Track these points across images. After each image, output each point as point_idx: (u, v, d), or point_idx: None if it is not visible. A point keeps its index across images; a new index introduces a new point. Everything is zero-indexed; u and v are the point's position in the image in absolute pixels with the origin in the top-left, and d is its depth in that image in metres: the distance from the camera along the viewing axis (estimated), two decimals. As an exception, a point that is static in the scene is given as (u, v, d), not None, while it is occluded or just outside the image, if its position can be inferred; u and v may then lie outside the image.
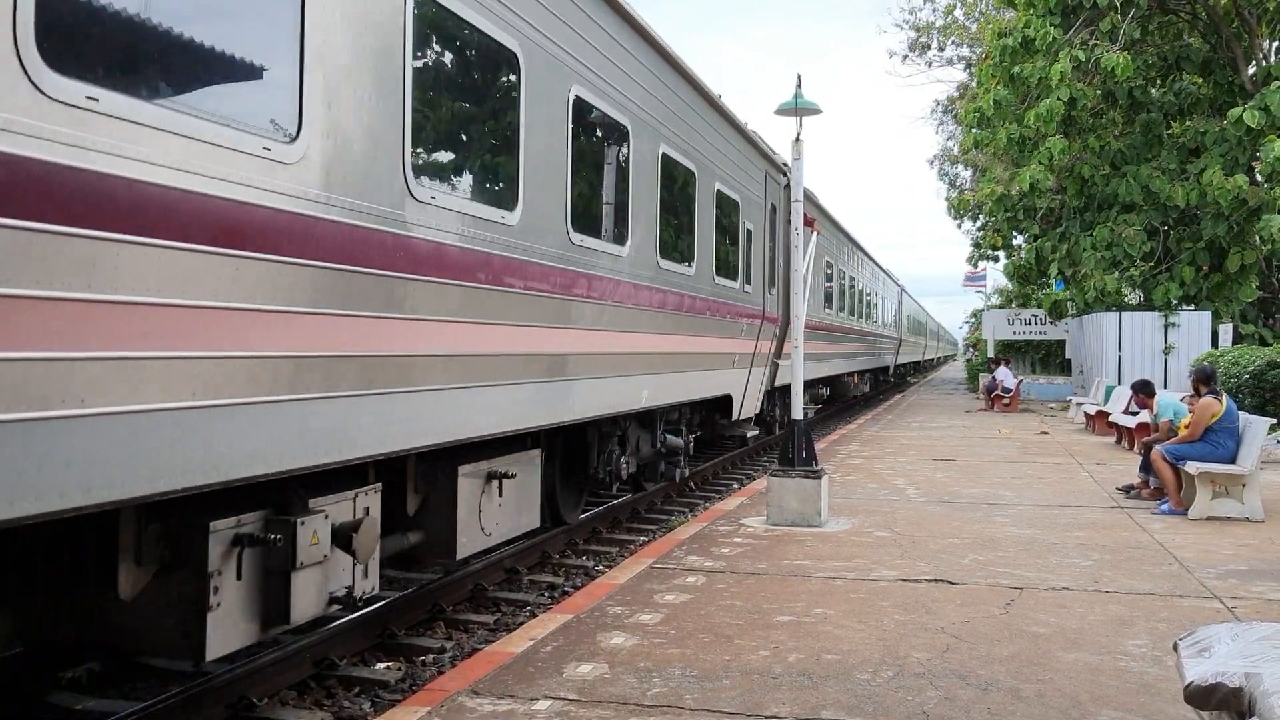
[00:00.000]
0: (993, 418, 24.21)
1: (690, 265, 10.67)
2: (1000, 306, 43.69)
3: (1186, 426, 10.62)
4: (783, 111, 9.96)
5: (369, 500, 5.50)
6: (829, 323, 22.18)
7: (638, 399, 9.27)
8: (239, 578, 4.60)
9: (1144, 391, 12.93)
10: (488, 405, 6.31)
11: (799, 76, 9.94)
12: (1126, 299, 25.91)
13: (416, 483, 6.53)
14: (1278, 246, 20.58)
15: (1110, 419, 18.22)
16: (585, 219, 7.92)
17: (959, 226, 46.99)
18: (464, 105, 6.54)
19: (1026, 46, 23.44)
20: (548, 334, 7.12)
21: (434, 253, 5.62)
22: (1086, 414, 20.99)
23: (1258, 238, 22.61)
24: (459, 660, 6.27)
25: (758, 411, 14.56)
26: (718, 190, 11.84)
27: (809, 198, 17.98)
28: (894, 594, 6.74)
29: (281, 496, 4.86)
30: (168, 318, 3.83)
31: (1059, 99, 22.35)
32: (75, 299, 3.47)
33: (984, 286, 50.85)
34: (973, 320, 56.46)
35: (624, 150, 8.85)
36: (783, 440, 9.68)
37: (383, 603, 7.03)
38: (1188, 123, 24.79)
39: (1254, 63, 23.86)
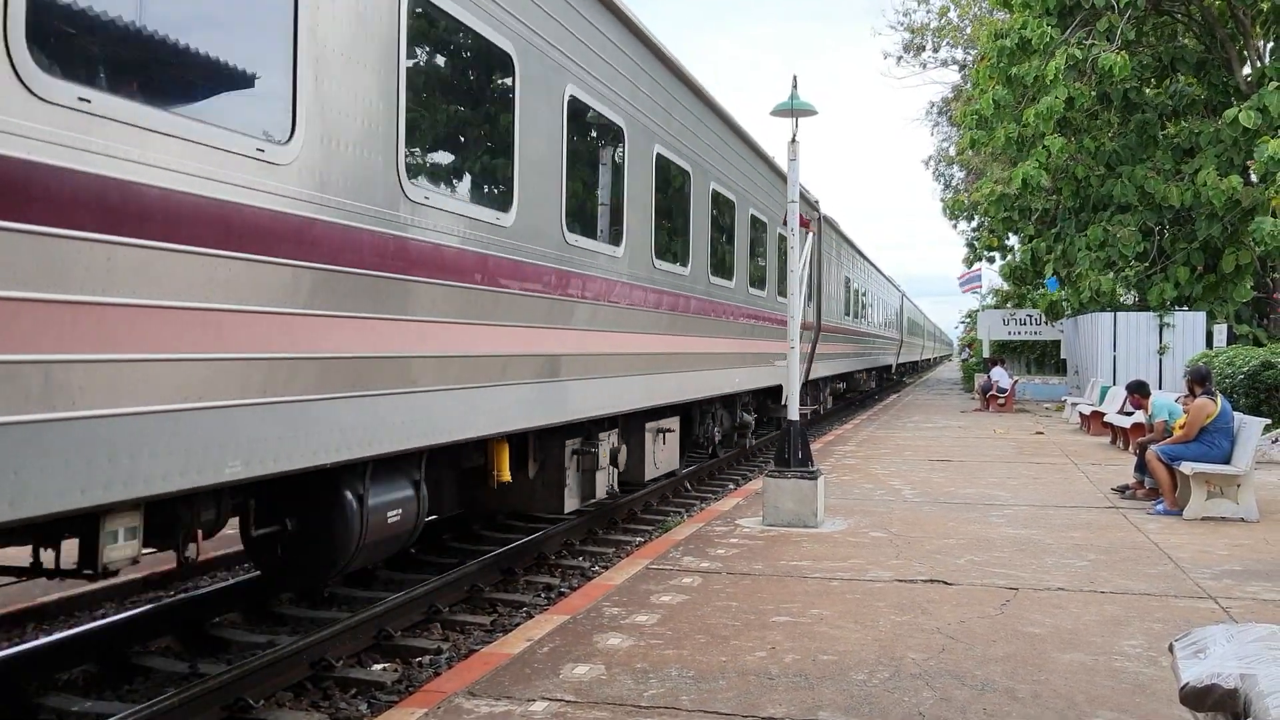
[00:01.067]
0: (988, 418, 24.24)
1: (764, 290, 15.47)
2: (996, 307, 43.72)
3: (1181, 427, 10.64)
4: (778, 113, 9.97)
5: (615, 439, 9.47)
6: (848, 327, 25.34)
7: (731, 385, 13.25)
8: (578, 470, 8.77)
9: (1139, 392, 12.95)
10: (661, 387, 10.22)
11: (794, 78, 9.94)
12: (1121, 299, 25.96)
13: (623, 433, 9.80)
14: (1270, 248, 20.62)
15: (1105, 419, 18.25)
16: (719, 267, 12.68)
17: (954, 227, 47.07)
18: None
19: (1024, 47, 23.47)
20: (693, 340, 11.41)
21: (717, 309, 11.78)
22: (1081, 414, 21.02)
23: (1251, 239, 22.67)
24: (456, 661, 6.27)
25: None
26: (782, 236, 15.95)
27: (831, 224, 22.69)
28: (890, 595, 6.75)
29: (589, 432, 8.84)
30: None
31: (1058, 97, 22.39)
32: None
33: (979, 288, 50.84)
34: (968, 320, 56.56)
35: (708, 198, 12.27)
36: (779, 441, 9.69)
37: (379, 604, 7.03)
38: (1182, 123, 24.84)
39: (1248, 64, 23.91)
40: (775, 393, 15.88)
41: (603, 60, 8.56)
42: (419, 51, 5.92)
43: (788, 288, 10.42)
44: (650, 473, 10.65)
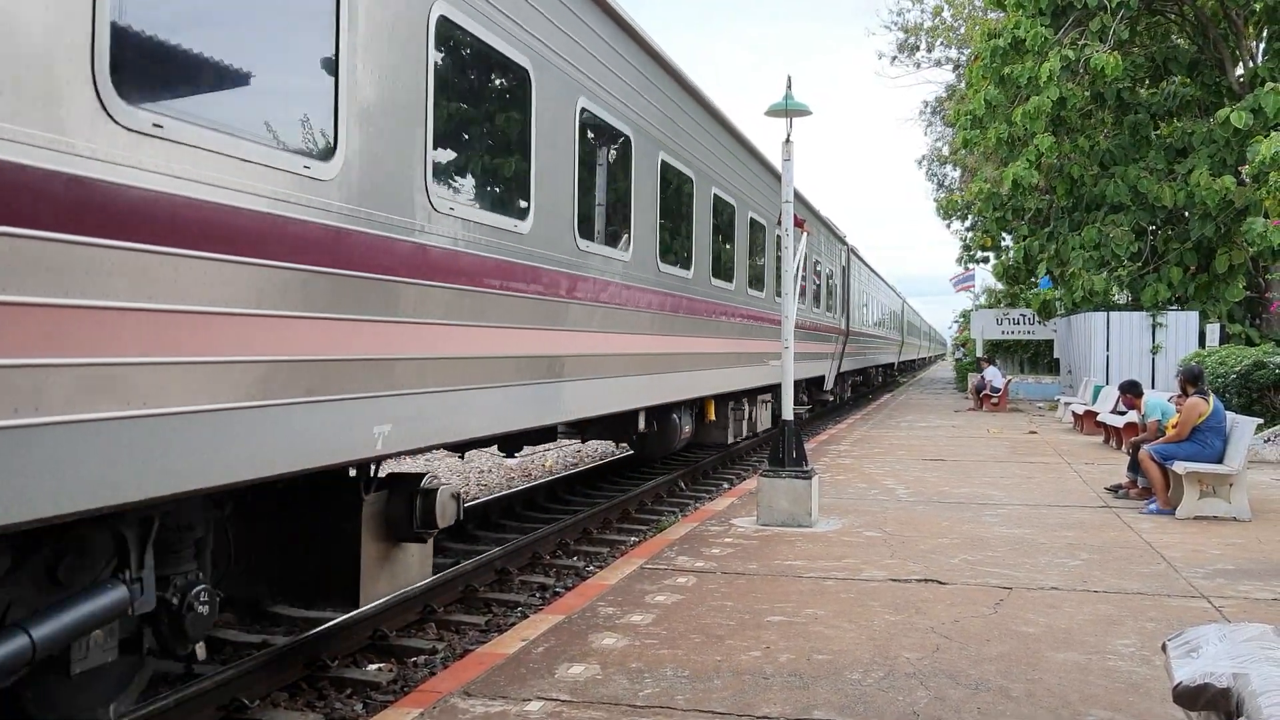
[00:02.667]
0: (981, 417, 24.27)
1: (819, 307, 20.64)
2: (989, 306, 43.81)
3: (1174, 426, 10.67)
4: (773, 113, 9.98)
5: (745, 404, 15.05)
6: (867, 331, 32.35)
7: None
8: (734, 419, 14.66)
9: (1131, 391, 12.98)
10: (737, 376, 13.97)
11: (789, 78, 9.96)
12: (1114, 299, 26.02)
13: (717, 407, 13.83)
14: (1262, 248, 20.68)
15: (1098, 419, 18.29)
16: (754, 280, 15.33)
17: (948, 227, 47.12)
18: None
19: (1017, 47, 23.52)
20: (765, 343, 15.02)
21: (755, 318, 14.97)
22: (1074, 414, 21.06)
23: (1244, 239, 22.73)
24: (451, 661, 6.28)
25: (832, 386, 24.43)
26: (817, 264, 20.91)
27: (855, 253, 29.14)
28: (884, 594, 6.77)
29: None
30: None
31: (1048, 97, 22.43)
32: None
33: (972, 287, 50.93)
34: (961, 320, 56.79)
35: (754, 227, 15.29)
36: (773, 440, 9.70)
37: (374, 604, 7.03)
38: (1175, 124, 24.91)
39: (1241, 64, 23.98)
40: (818, 381, 22.15)
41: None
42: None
43: (782, 288, 10.44)
44: (732, 438, 15.18)
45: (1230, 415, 10.49)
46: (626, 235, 9.42)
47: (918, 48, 43.73)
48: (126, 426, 3.71)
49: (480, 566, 8.35)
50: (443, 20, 5.92)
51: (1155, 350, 23.67)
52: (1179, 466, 10.03)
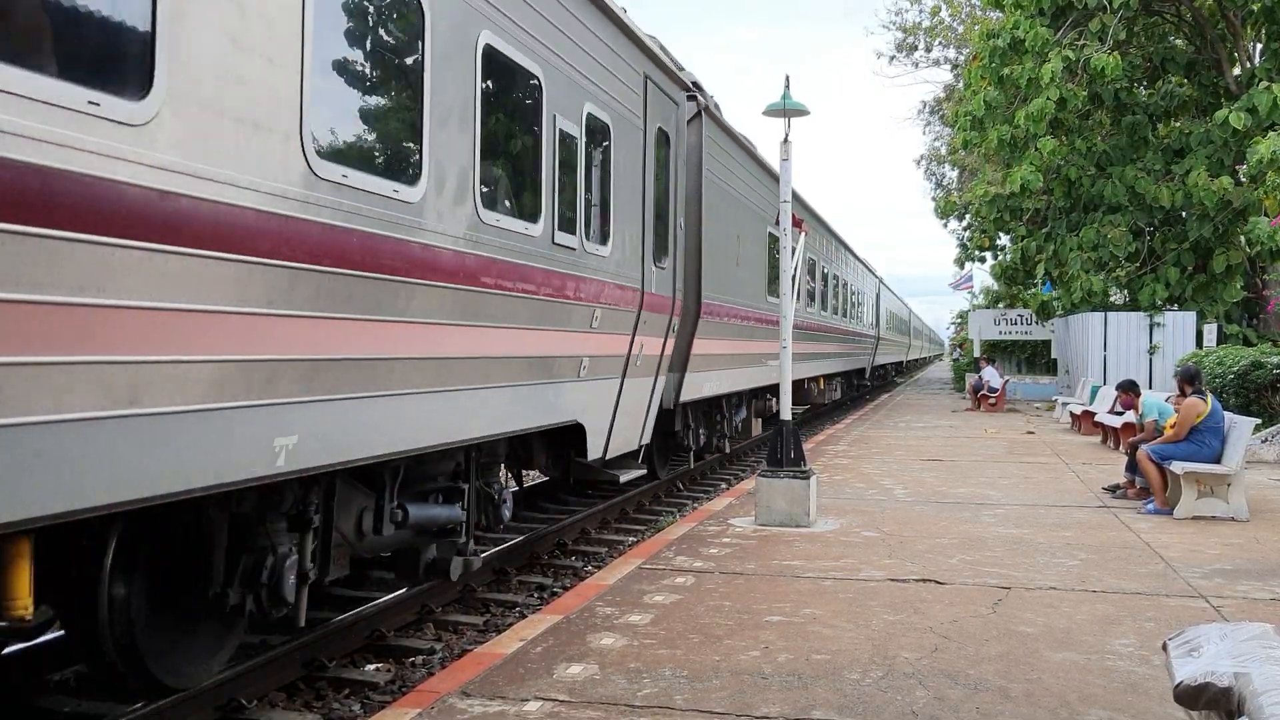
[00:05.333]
0: (979, 418, 24.28)
1: (862, 322, 27.67)
2: (987, 306, 43.83)
3: (1172, 426, 10.67)
4: (770, 112, 9.96)
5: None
6: (890, 338, 42.69)
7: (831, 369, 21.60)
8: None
9: (1129, 391, 13.00)
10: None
11: (786, 77, 9.93)
12: (1112, 299, 26.04)
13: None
14: (1265, 248, 20.69)
15: (1096, 419, 18.31)
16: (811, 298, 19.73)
17: (945, 227, 47.13)
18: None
19: (1015, 48, 23.52)
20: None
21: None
22: (1072, 414, 21.07)
23: (1243, 239, 22.74)
24: (449, 661, 6.26)
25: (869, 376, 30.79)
26: (862, 293, 28.70)
27: (883, 282, 40.71)
28: (882, 594, 6.76)
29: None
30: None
31: (1049, 99, 22.43)
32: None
33: (971, 287, 50.99)
34: (959, 320, 56.95)
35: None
36: (771, 441, 9.69)
37: (372, 604, 7.02)
38: (1173, 124, 24.92)
39: (1238, 64, 23.99)
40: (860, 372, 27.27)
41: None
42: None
43: (780, 288, 10.42)
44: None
45: (1228, 415, 10.49)
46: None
47: (916, 47, 43.74)
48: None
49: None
50: None
51: (1153, 350, 23.69)
52: (1177, 466, 10.03)
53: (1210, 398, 10.54)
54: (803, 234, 11.20)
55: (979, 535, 8.88)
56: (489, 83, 6.47)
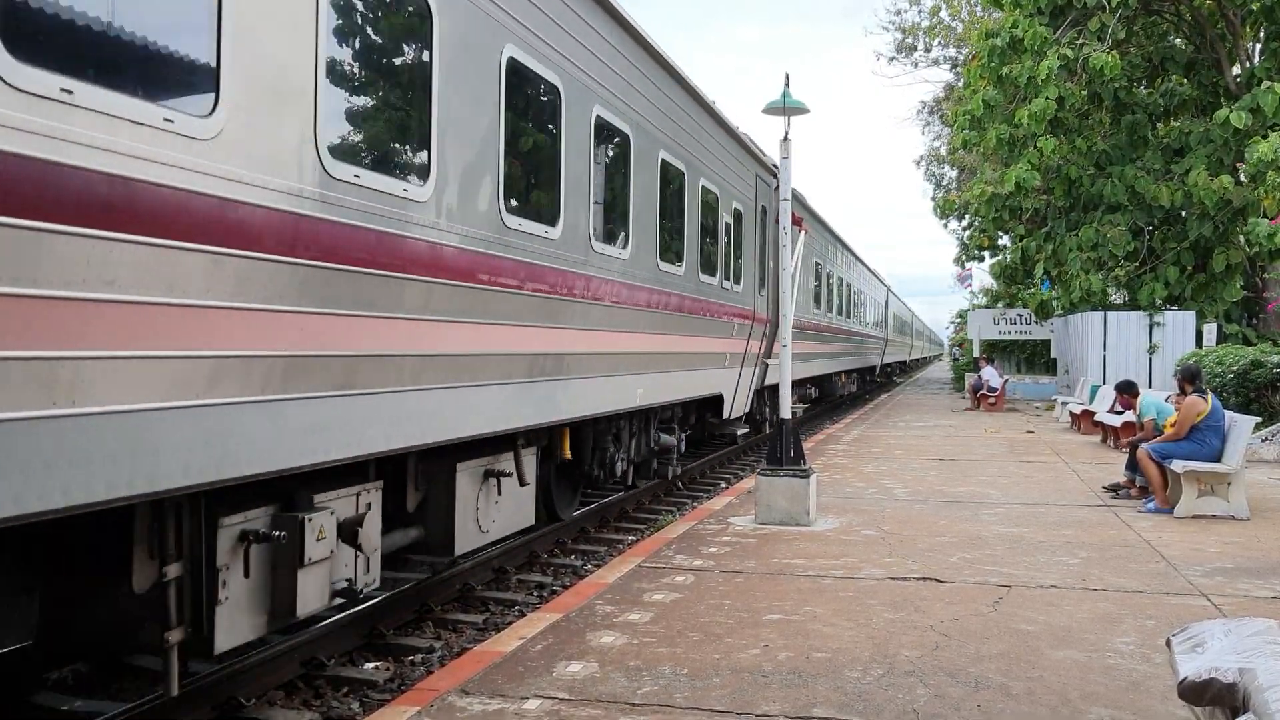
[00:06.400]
0: (979, 417, 24.27)
1: (874, 324, 32.85)
2: (986, 306, 43.84)
3: (1172, 425, 10.66)
4: (770, 111, 9.95)
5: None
6: (896, 339, 47.76)
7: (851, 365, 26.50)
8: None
9: (1127, 392, 12.99)
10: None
11: (786, 75, 9.92)
12: (1111, 299, 26.02)
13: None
14: (1265, 248, 20.68)
15: (1095, 418, 18.29)
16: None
17: (945, 226, 47.15)
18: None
19: (1015, 47, 23.51)
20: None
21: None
22: (1072, 413, 21.06)
23: (1243, 238, 22.72)
24: (448, 660, 6.25)
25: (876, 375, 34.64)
26: (886, 299, 37.70)
27: (890, 290, 45.07)
28: (883, 592, 6.75)
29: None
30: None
31: (1049, 98, 22.42)
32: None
33: (971, 286, 51.10)
34: (959, 320, 57.12)
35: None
36: (771, 439, 9.68)
37: (371, 602, 7.00)
38: (1173, 123, 24.91)
39: (1238, 64, 23.98)
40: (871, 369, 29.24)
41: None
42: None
43: (779, 287, 10.41)
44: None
45: (1228, 414, 10.47)
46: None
47: (915, 48, 43.74)
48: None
49: (478, 565, 8.32)
50: None
51: (1152, 350, 23.68)
52: (1177, 465, 10.02)
53: (1210, 396, 10.52)
54: (803, 233, 11.73)
55: (979, 534, 8.86)
56: (702, 212, 11.69)
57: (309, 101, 4.70)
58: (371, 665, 6.38)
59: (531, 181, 7.38)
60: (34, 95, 3.32)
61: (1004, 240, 32.75)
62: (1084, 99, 24.09)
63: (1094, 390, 20.21)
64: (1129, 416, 14.15)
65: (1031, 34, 22.87)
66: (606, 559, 9.23)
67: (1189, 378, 10.77)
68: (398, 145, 5.72)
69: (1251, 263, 24.51)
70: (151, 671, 5.98)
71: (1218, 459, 10.05)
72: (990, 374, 27.40)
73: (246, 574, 4.77)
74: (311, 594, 5.13)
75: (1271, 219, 20.18)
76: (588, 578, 7.48)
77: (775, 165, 13.98)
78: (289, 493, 5.07)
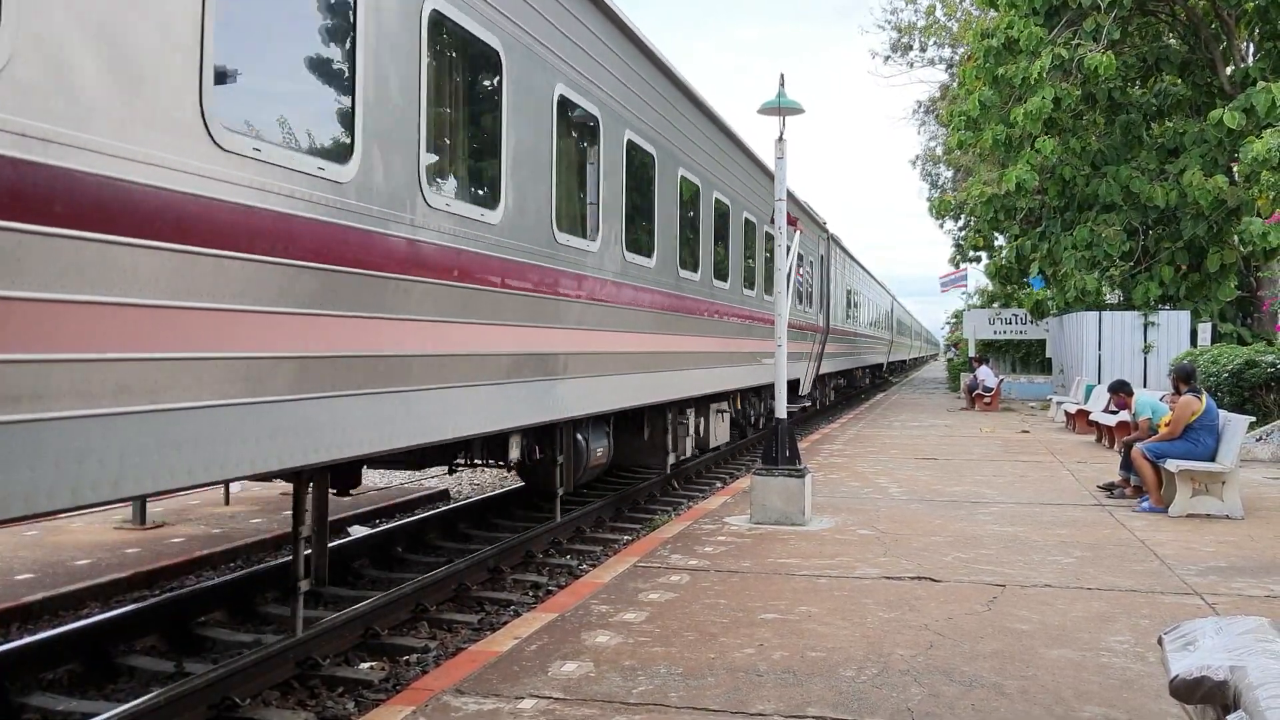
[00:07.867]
0: (974, 417, 24.30)
1: (883, 327, 40.76)
2: (982, 306, 43.90)
3: (1167, 424, 10.68)
4: (765, 110, 9.96)
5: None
6: (899, 340, 53.87)
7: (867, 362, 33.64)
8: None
9: (1121, 391, 13.02)
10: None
11: (781, 75, 9.96)
12: (1106, 299, 26.07)
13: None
14: (1259, 248, 20.72)
15: (1090, 418, 18.32)
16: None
17: (940, 227, 47.19)
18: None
19: (1010, 47, 23.54)
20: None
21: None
22: (1067, 413, 21.09)
23: (1237, 238, 22.78)
24: (443, 660, 6.25)
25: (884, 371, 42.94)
26: (891, 306, 44.49)
27: (895, 298, 55.19)
28: (877, 591, 6.76)
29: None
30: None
31: (1044, 98, 22.45)
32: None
33: (964, 286, 51.10)
34: (954, 320, 57.40)
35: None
36: (766, 439, 9.69)
37: (365, 602, 7.00)
38: (1167, 123, 24.97)
39: (1232, 64, 24.04)
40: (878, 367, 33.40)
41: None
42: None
43: (775, 287, 10.42)
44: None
45: (1222, 413, 10.49)
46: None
47: (911, 47, 43.80)
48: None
49: (473, 565, 8.32)
50: None
51: (1147, 349, 23.72)
52: (1172, 464, 10.04)
53: (1205, 396, 10.54)
54: (798, 232, 12.21)
55: (974, 533, 8.87)
56: (799, 262, 17.42)
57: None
58: (366, 665, 6.38)
59: (705, 245, 12.89)
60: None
61: (999, 241, 32.79)
62: (1079, 99, 24.14)
63: (1089, 390, 20.24)
64: (1124, 416, 14.17)
65: (1027, 34, 22.91)
66: (602, 559, 9.24)
67: (1184, 377, 10.79)
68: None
69: (1246, 262, 24.58)
70: (145, 672, 5.99)
71: (1212, 458, 10.07)
72: (986, 374, 27.44)
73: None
74: (720, 434, 13.96)
75: (1266, 219, 20.23)
76: (583, 577, 7.48)
77: (829, 229, 24.40)
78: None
